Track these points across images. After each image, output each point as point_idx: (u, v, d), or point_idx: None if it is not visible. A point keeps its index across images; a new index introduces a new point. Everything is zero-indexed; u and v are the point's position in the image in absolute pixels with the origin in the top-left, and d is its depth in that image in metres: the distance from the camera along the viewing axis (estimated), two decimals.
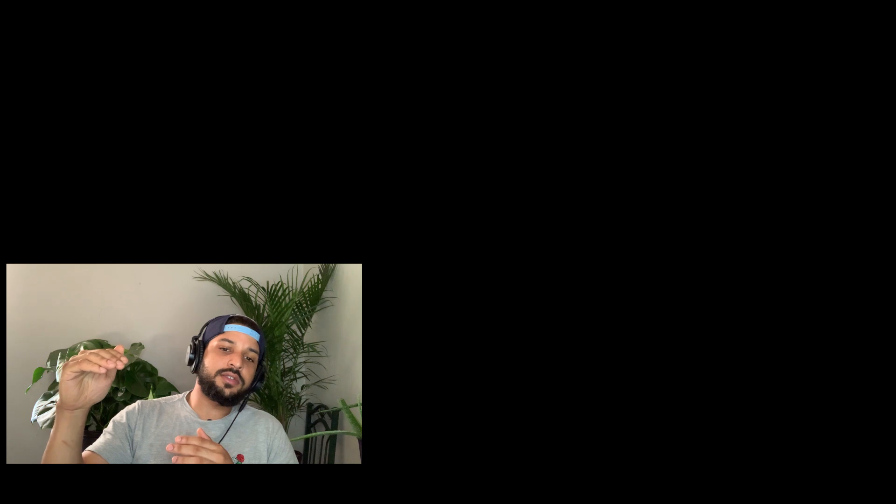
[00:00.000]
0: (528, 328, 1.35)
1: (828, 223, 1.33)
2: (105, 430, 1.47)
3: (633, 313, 1.35)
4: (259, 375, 1.56)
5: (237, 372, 1.49)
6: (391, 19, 1.36)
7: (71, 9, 1.33)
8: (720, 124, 1.36)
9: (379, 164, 1.37)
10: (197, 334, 1.57)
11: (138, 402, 1.55)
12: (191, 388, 1.58)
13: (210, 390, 1.49)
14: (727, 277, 1.34)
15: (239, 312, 3.05)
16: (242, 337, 1.53)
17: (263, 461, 1.50)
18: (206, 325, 1.58)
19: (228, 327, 1.54)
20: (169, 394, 1.60)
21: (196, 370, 1.54)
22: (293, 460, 1.55)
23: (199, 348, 1.53)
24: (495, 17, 1.36)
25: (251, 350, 1.53)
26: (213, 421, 1.51)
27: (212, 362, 1.50)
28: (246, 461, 1.47)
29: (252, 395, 3.02)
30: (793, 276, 1.34)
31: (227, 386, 1.48)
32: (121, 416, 1.49)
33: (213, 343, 1.53)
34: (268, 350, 2.98)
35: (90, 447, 1.42)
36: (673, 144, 1.36)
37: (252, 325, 1.57)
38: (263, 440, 1.53)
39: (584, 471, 1.34)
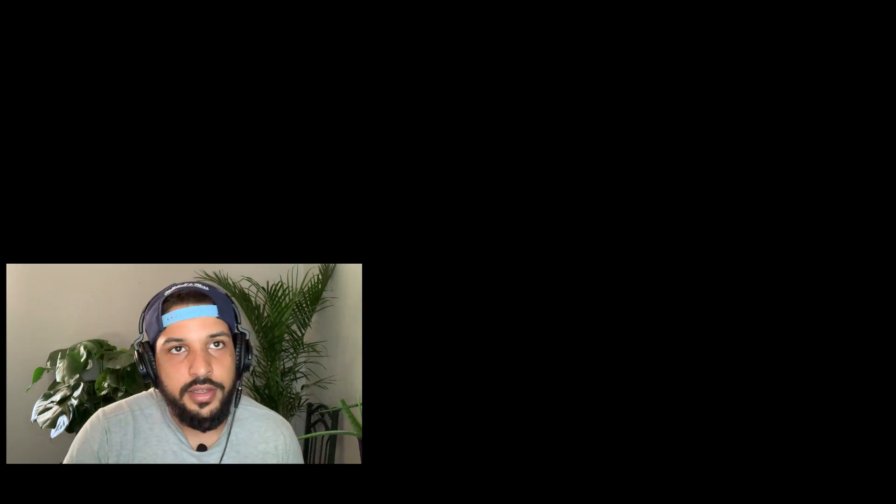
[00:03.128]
0: (528, 328, 1.35)
1: (828, 223, 1.33)
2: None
3: (634, 313, 1.34)
4: (245, 350, 1.13)
5: (207, 379, 1.08)
6: (391, 19, 1.36)
7: (70, 8, 1.33)
8: (720, 124, 1.35)
9: (379, 164, 1.37)
10: (139, 336, 1.14)
11: (100, 420, 1.16)
12: None
13: (184, 415, 1.10)
14: (727, 277, 1.34)
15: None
16: (192, 325, 1.07)
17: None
18: (142, 319, 1.13)
19: (167, 319, 1.07)
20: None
21: (156, 386, 1.12)
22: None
23: (146, 358, 1.09)
24: (495, 17, 1.36)
25: (214, 336, 1.08)
26: (208, 450, 1.17)
27: (169, 376, 1.08)
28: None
29: (252, 394, 3.01)
30: (793, 276, 1.34)
31: (203, 404, 1.08)
32: (83, 446, 1.16)
33: (160, 346, 1.09)
34: (268, 350, 2.98)
35: None
36: (673, 144, 1.36)
37: (198, 297, 1.10)
38: (272, 459, 1.23)
39: (583, 470, 1.33)
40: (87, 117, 1.34)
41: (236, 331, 1.14)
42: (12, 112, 1.33)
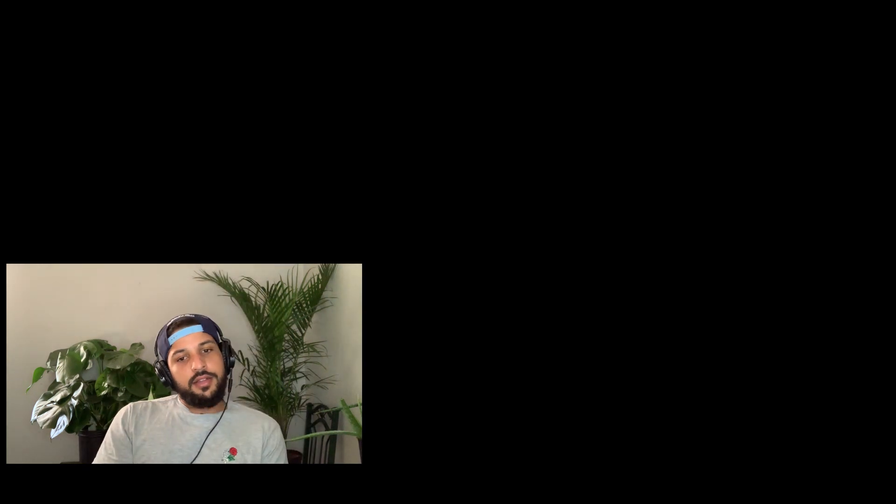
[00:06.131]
0: (528, 328, 1.35)
1: (828, 223, 1.33)
2: (105, 447, 1.53)
3: (633, 313, 1.34)
4: (227, 353, 1.60)
5: (204, 371, 1.54)
6: (391, 19, 1.36)
7: (71, 9, 1.33)
8: (720, 124, 1.36)
9: (379, 164, 1.37)
10: (156, 358, 1.62)
11: (129, 405, 1.61)
12: None
13: (193, 399, 1.55)
14: (727, 278, 1.34)
15: (231, 313, 3.06)
16: (188, 339, 1.56)
17: (258, 455, 1.56)
18: (156, 346, 1.62)
19: (171, 339, 1.56)
20: (169, 393, 1.62)
21: (174, 388, 1.60)
22: (284, 461, 1.60)
23: (164, 370, 1.59)
24: (495, 17, 1.36)
25: (203, 344, 1.56)
26: (204, 414, 1.57)
27: (179, 376, 1.55)
28: (239, 455, 1.53)
29: (252, 394, 3.02)
30: (793, 277, 1.34)
31: (204, 389, 1.54)
32: (116, 427, 1.56)
33: (170, 358, 1.57)
34: (268, 350, 2.98)
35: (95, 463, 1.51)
36: (673, 145, 1.36)
37: (188, 322, 1.59)
38: (259, 436, 1.58)
39: (583, 470, 1.34)
40: (86, 118, 1.35)
41: (220, 340, 1.61)
42: (12, 112, 1.34)
